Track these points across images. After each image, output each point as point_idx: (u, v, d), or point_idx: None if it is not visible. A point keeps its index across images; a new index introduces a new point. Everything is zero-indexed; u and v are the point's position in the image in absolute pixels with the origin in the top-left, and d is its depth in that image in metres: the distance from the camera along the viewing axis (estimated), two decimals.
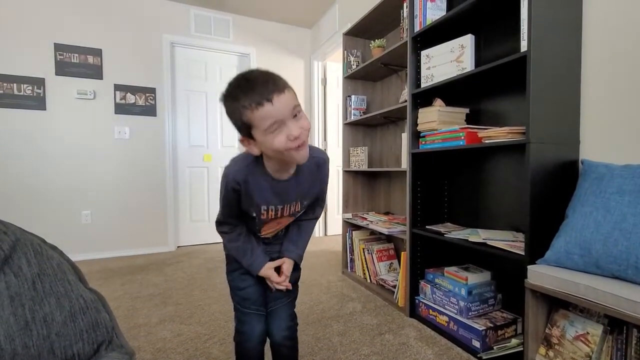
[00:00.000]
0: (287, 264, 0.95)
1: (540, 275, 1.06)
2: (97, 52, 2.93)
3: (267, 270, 0.94)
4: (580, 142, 1.27)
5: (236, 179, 0.81)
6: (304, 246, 1.00)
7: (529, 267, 1.10)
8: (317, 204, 1.00)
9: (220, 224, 0.94)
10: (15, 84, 2.69)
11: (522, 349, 1.26)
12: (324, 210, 3.82)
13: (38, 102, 2.76)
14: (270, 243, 1.00)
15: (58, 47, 2.81)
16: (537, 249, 1.15)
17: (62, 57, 2.82)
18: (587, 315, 1.04)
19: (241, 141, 0.78)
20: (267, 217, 0.89)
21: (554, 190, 1.20)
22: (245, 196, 0.84)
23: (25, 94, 2.72)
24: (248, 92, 0.69)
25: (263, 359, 1.00)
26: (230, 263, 0.98)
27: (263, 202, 0.86)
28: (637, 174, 0.98)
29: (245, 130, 0.74)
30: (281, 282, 0.93)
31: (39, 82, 2.76)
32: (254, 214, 0.88)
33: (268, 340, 0.98)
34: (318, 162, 0.91)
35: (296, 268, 1.00)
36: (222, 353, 1.40)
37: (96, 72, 2.93)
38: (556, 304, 1.12)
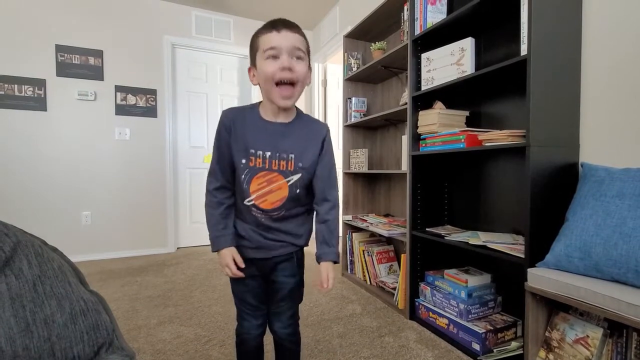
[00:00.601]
0: (325, 268, 0.90)
1: (540, 278, 1.06)
2: (98, 54, 2.94)
3: (227, 256, 0.88)
4: (580, 145, 1.27)
5: (228, 117, 0.87)
6: (337, 241, 0.93)
7: (529, 270, 1.10)
8: (325, 183, 0.92)
9: (210, 176, 0.90)
10: (16, 85, 2.69)
11: (522, 352, 1.26)
12: None
13: (39, 103, 2.77)
14: (270, 229, 0.90)
15: (59, 49, 2.81)
16: (537, 252, 1.15)
17: (63, 58, 2.83)
18: (587, 319, 1.04)
19: (248, 70, 0.88)
20: (255, 164, 0.85)
21: (554, 193, 1.20)
22: (235, 137, 0.86)
23: (26, 95, 2.73)
24: (269, 23, 0.82)
25: (262, 348, 1.01)
26: None
27: (252, 144, 0.85)
28: (637, 178, 0.99)
29: (252, 55, 0.85)
30: (326, 289, 0.90)
31: (40, 83, 2.76)
32: (243, 161, 0.85)
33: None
34: (317, 129, 0.92)
35: (300, 265, 0.98)
36: (222, 355, 1.39)
37: (97, 73, 2.94)
38: (556, 307, 1.12)
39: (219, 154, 0.89)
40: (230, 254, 0.88)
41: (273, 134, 0.87)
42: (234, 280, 0.96)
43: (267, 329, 1.00)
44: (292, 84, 0.81)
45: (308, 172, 0.90)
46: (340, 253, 2.56)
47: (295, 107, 0.93)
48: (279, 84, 0.80)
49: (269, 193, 0.87)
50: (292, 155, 0.87)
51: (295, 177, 0.88)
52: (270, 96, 0.83)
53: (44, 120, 2.79)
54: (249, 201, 0.87)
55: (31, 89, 2.74)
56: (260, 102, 0.91)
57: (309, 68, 0.87)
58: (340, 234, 2.78)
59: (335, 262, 0.92)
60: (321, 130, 0.92)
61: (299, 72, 0.81)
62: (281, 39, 0.79)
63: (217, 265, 2.73)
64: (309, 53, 0.87)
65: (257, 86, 0.89)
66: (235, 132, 0.86)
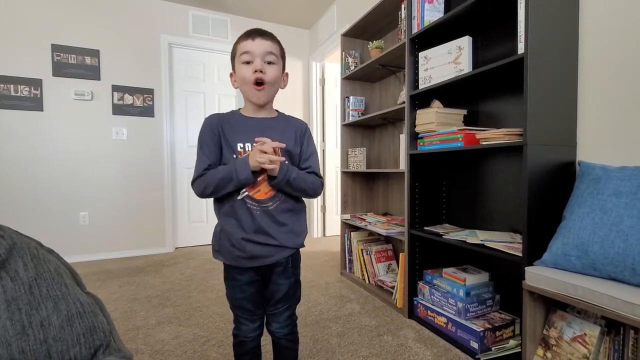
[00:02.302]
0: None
1: (537, 276, 1.06)
2: (95, 53, 2.92)
3: (253, 155, 0.83)
4: (577, 143, 1.27)
5: (213, 119, 0.93)
6: (298, 176, 0.89)
7: (526, 268, 1.11)
8: (313, 163, 0.97)
9: (195, 179, 0.89)
10: (12, 85, 2.68)
11: (520, 350, 1.26)
12: (323, 212, 3.82)
13: (35, 103, 2.75)
14: (268, 227, 0.89)
15: (55, 48, 2.80)
16: (534, 251, 1.16)
17: (59, 57, 2.81)
18: (585, 317, 1.05)
19: (230, 76, 0.97)
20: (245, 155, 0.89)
21: (551, 192, 1.21)
22: (223, 139, 0.91)
23: (22, 95, 2.71)
24: (245, 32, 0.91)
25: (259, 348, 1.02)
26: (226, 270, 0.96)
27: (238, 139, 0.91)
28: (633, 176, 0.99)
29: (232, 61, 0.95)
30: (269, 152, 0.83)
31: (36, 83, 2.75)
32: (234, 156, 0.90)
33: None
34: (298, 124, 0.99)
35: (296, 266, 0.99)
36: (220, 355, 1.39)
37: (94, 73, 2.92)
38: (554, 305, 1.13)
39: (206, 152, 0.91)
40: (254, 153, 0.83)
41: (257, 127, 0.93)
42: (230, 288, 0.96)
43: (265, 329, 1.01)
44: (264, 83, 0.90)
45: (292, 161, 0.95)
46: (339, 252, 2.56)
47: (277, 110, 1.01)
48: (253, 84, 0.90)
49: (262, 182, 0.90)
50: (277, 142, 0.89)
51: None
52: (247, 94, 0.93)
53: (40, 120, 2.77)
54: (243, 192, 0.89)
55: (27, 89, 2.72)
56: (239, 108, 0.99)
57: (285, 72, 0.97)
58: (339, 233, 2.77)
59: (273, 177, 0.87)
60: (302, 125, 1.00)
61: (270, 74, 0.90)
62: (255, 46, 0.89)
63: (216, 265, 2.73)
64: (283, 58, 0.95)
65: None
66: (222, 132, 0.91)
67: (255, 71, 0.88)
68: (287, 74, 0.98)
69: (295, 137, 0.96)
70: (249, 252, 0.89)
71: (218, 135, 0.91)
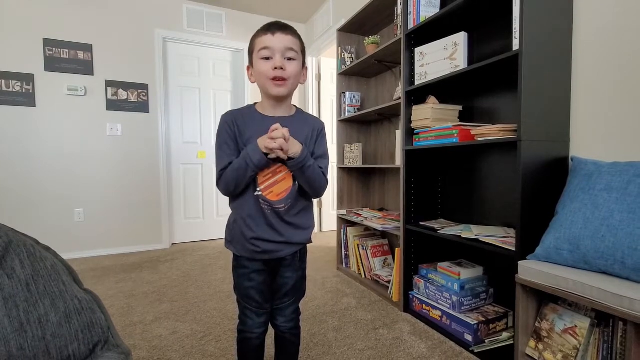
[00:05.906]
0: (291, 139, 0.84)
1: (530, 270, 1.08)
2: (88, 48, 2.88)
3: (263, 140, 0.84)
4: (570, 139, 1.29)
5: (229, 117, 0.92)
6: (313, 166, 0.89)
7: (519, 262, 1.12)
8: (321, 162, 0.96)
9: (219, 179, 0.90)
10: (3, 80, 2.64)
11: (512, 342, 1.29)
12: (319, 207, 3.83)
13: (27, 99, 2.72)
14: (279, 227, 0.91)
15: (47, 43, 2.75)
16: (528, 245, 1.17)
17: (51, 52, 2.77)
18: (576, 309, 1.07)
19: (247, 69, 0.94)
20: None
21: (544, 187, 1.22)
22: (240, 139, 0.90)
23: (14, 90, 2.67)
24: (265, 26, 0.88)
25: (263, 347, 1.02)
26: (236, 259, 0.97)
27: (253, 137, 0.88)
28: (624, 171, 1.01)
29: (250, 54, 0.92)
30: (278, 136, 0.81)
31: (28, 78, 2.71)
32: None
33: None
34: (314, 122, 0.98)
35: (303, 260, 1.01)
36: (218, 350, 1.41)
37: (87, 68, 2.89)
38: (546, 299, 1.15)
39: (226, 147, 0.90)
40: (262, 140, 0.83)
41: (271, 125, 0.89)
42: (239, 276, 0.96)
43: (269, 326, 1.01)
44: (284, 80, 0.87)
45: None
46: (335, 247, 2.58)
47: (295, 106, 0.99)
48: (272, 79, 0.87)
49: (275, 184, 0.90)
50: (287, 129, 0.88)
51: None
52: (265, 88, 0.89)
53: (33, 116, 2.74)
54: (258, 191, 0.89)
55: (19, 84, 2.69)
56: (255, 103, 0.96)
57: (304, 67, 0.94)
58: (335, 228, 2.80)
59: (291, 159, 0.85)
60: (318, 125, 0.98)
61: (290, 71, 0.87)
62: (275, 41, 0.85)
63: (213, 261, 2.73)
64: (303, 53, 0.92)
65: (253, 84, 0.94)
66: (239, 130, 0.90)
67: (275, 68, 0.85)
68: (306, 67, 0.95)
69: (311, 135, 0.95)
70: (259, 247, 0.92)
71: (235, 133, 0.90)
